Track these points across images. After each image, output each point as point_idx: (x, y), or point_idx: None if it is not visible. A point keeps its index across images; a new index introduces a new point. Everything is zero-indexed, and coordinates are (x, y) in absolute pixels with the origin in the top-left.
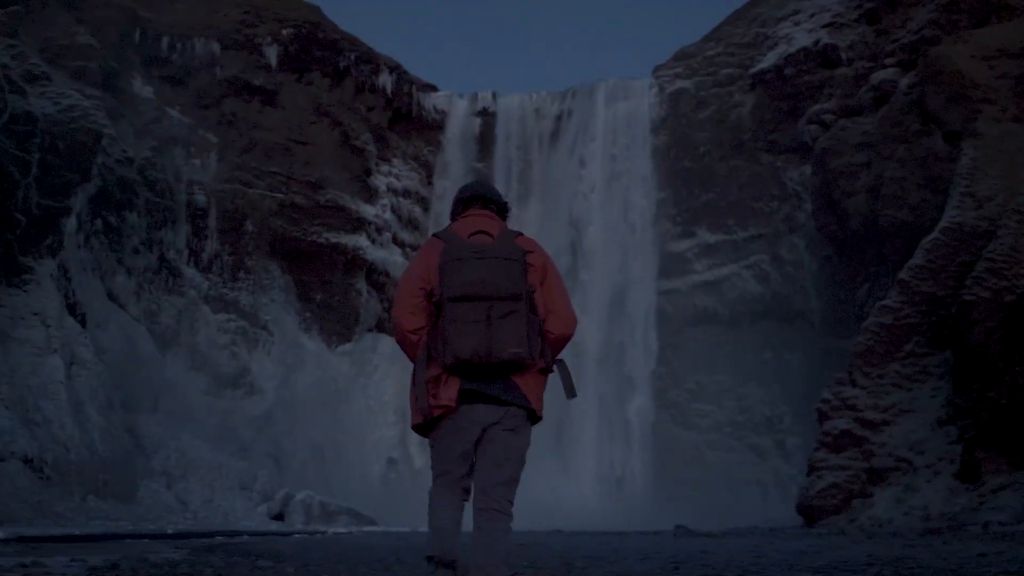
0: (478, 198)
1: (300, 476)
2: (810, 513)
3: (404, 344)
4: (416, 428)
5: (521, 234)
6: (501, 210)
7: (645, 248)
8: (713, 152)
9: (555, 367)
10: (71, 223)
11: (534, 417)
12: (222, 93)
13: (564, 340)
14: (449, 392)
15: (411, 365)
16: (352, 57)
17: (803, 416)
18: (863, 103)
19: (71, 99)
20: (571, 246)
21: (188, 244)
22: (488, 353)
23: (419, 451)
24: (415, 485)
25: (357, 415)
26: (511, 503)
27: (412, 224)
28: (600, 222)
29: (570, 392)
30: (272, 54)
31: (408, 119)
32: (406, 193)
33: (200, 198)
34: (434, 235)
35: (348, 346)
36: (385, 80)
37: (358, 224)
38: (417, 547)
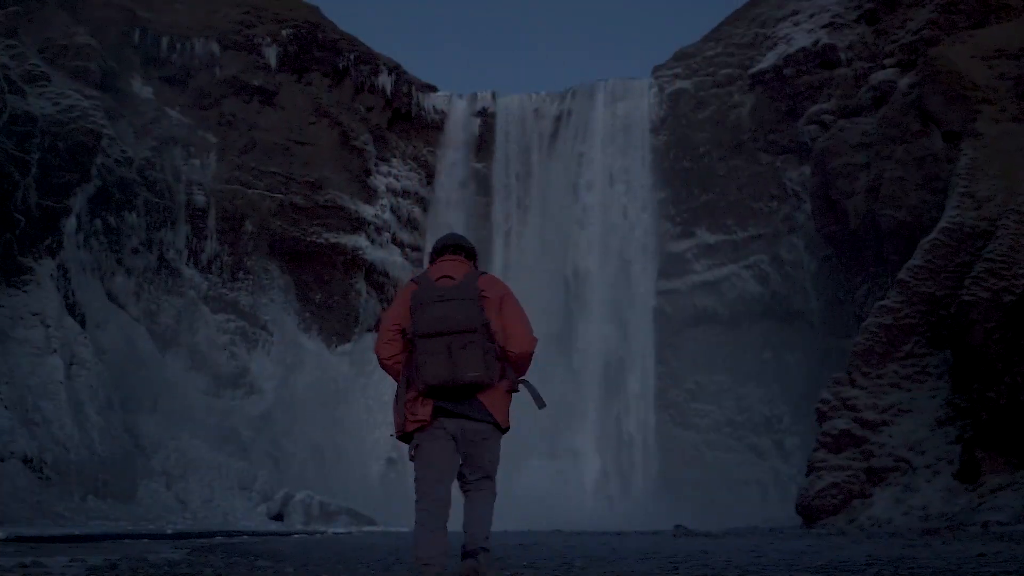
0: (450, 247)
1: (300, 476)
2: (809, 513)
3: (385, 369)
4: (399, 438)
5: (484, 274)
6: (470, 255)
7: (644, 248)
8: (712, 152)
9: (521, 386)
10: (71, 223)
11: (500, 429)
12: (221, 93)
13: (525, 357)
14: (425, 410)
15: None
16: (351, 57)
17: (802, 416)
18: (862, 103)
19: (70, 99)
20: (570, 245)
21: (187, 244)
22: (451, 379)
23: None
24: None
25: (357, 415)
26: (492, 485)
27: (411, 224)
28: (599, 222)
29: (540, 404)
30: (271, 54)
31: (407, 119)
32: (405, 193)
33: (199, 198)
34: (412, 279)
35: (347, 346)
36: (384, 80)
37: (357, 224)
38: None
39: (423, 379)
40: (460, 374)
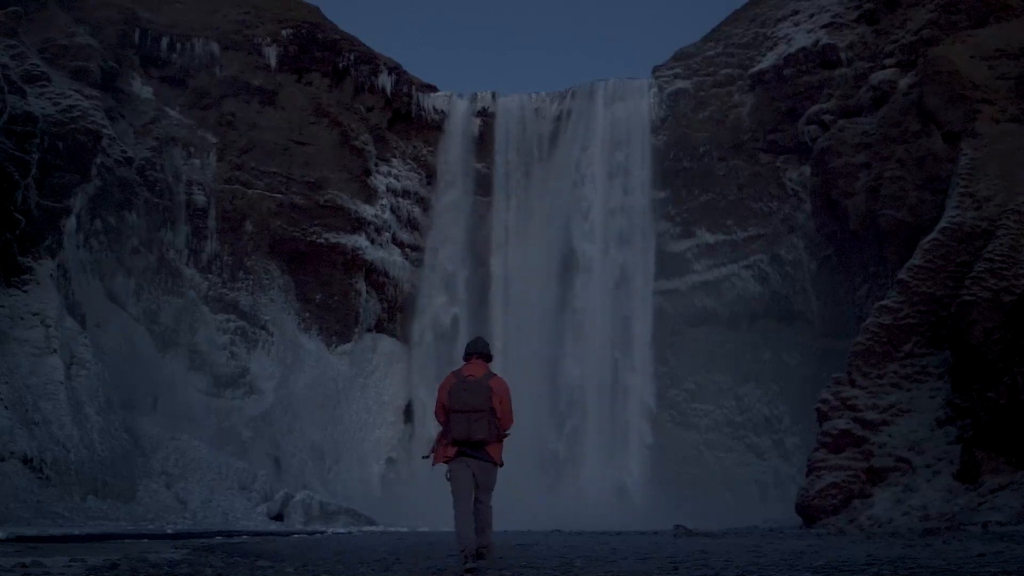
0: (475, 353)
1: (299, 476)
2: (809, 513)
3: (440, 424)
4: (437, 463)
5: (494, 376)
6: (487, 359)
7: (644, 248)
8: (712, 152)
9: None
10: (71, 223)
11: (496, 465)
12: (221, 93)
13: (508, 428)
14: (452, 451)
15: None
16: (351, 57)
17: (802, 416)
18: (862, 103)
19: (70, 99)
20: (570, 246)
21: (188, 244)
22: (468, 436)
23: (418, 452)
24: (414, 485)
25: (356, 415)
26: (490, 499)
27: (412, 224)
28: (599, 222)
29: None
30: (271, 54)
31: (407, 119)
32: (405, 193)
33: (199, 198)
34: (452, 372)
35: (347, 346)
36: (384, 80)
37: (357, 224)
38: (416, 547)
39: (452, 434)
40: (474, 434)
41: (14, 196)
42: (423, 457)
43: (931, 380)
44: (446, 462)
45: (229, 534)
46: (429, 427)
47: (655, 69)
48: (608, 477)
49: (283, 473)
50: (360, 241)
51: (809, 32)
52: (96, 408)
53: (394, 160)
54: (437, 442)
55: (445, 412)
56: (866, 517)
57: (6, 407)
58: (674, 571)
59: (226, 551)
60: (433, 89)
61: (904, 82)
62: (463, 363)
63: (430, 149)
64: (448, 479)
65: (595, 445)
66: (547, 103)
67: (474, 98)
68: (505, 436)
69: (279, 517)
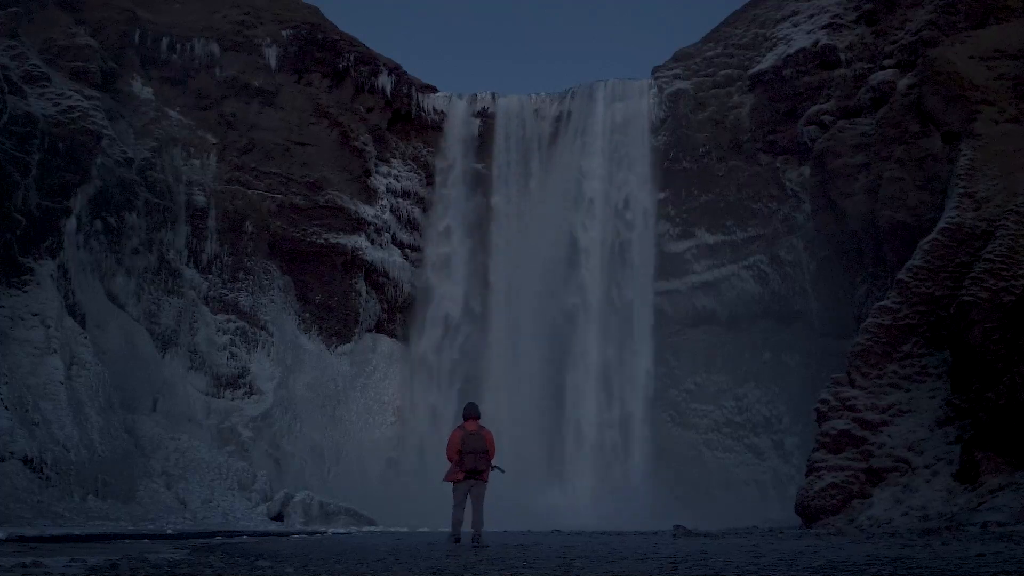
0: (472, 416)
1: (299, 476)
2: (809, 513)
3: (451, 462)
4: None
5: (484, 428)
6: (478, 417)
7: (644, 248)
8: (712, 153)
9: (494, 464)
10: (71, 224)
11: (486, 483)
12: (221, 94)
13: (492, 458)
14: (461, 476)
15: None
16: (351, 58)
17: (802, 416)
18: (862, 104)
19: (70, 100)
20: (569, 246)
21: (188, 245)
22: (475, 467)
23: (417, 453)
24: (414, 485)
25: (356, 415)
26: (482, 504)
27: (411, 225)
28: (599, 222)
29: (500, 471)
30: (271, 55)
31: (407, 120)
32: (405, 194)
33: (199, 199)
34: (458, 427)
35: (347, 346)
36: (384, 81)
37: (357, 225)
38: (416, 547)
39: (465, 466)
40: (478, 467)
41: (14, 196)
42: (443, 480)
43: (930, 380)
44: (456, 481)
45: (229, 534)
46: (426, 427)
47: (655, 70)
48: (608, 477)
49: (283, 473)
50: (360, 241)
51: (808, 33)
52: (96, 408)
53: (394, 160)
54: (452, 469)
55: (459, 453)
56: (865, 517)
57: (6, 407)
58: (674, 571)
59: (226, 551)
60: (433, 90)
61: (903, 83)
62: (463, 421)
63: (430, 150)
64: (453, 490)
65: (595, 445)
66: (547, 104)
67: (474, 99)
68: (491, 463)
69: (279, 517)
